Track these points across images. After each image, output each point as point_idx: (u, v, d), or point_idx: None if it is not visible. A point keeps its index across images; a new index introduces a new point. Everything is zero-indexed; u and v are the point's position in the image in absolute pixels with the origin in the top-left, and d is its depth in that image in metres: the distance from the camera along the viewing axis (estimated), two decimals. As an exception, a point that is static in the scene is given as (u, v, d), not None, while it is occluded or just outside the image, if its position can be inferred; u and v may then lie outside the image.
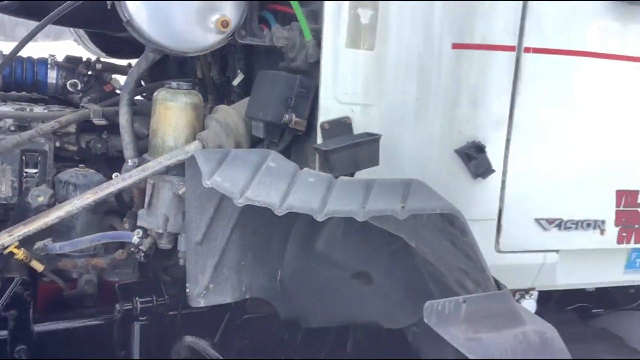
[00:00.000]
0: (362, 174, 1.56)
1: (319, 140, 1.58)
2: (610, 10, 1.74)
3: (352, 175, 1.57)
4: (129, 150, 1.82)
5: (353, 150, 1.58)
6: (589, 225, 1.79)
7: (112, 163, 2.07)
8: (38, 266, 1.77)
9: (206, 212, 1.54)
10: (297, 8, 1.62)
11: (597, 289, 2.19)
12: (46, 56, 2.16)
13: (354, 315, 1.89)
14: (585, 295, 2.32)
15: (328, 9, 1.56)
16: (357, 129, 1.59)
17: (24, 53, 1.92)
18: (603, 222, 1.80)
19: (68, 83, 2.08)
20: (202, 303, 1.63)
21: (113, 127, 1.98)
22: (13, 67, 2.07)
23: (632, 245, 1.87)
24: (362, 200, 1.38)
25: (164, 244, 1.76)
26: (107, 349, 1.78)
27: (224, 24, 1.65)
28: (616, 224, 1.82)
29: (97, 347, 1.78)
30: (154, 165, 1.69)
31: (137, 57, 1.87)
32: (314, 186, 1.40)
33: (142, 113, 1.95)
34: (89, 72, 2.15)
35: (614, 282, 2.01)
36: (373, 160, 1.59)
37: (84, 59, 2.25)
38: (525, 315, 1.51)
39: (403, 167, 1.63)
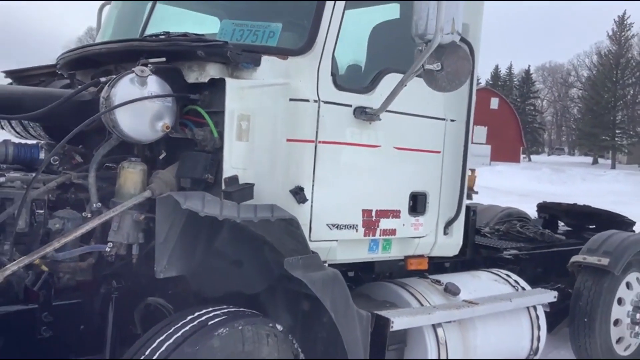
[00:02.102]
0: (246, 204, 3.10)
1: (223, 186, 3.09)
2: None
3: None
4: (94, 197, 3.12)
5: (239, 192, 3.12)
6: (350, 227, 3.53)
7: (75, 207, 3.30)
8: (45, 268, 2.98)
9: (170, 225, 2.94)
10: (207, 117, 3.13)
11: (366, 264, 3.93)
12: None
13: (232, 286, 3.36)
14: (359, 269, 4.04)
15: (227, 118, 3.10)
16: (242, 180, 3.14)
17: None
18: (357, 225, 3.56)
19: (52, 159, 3.28)
20: (162, 276, 2.99)
21: (78, 186, 3.25)
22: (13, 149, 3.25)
23: (370, 237, 3.66)
24: (244, 212, 2.91)
25: (122, 251, 3.09)
26: (99, 314, 3.04)
27: (167, 127, 3.11)
28: (362, 226, 3.58)
29: (92, 313, 3.04)
30: (125, 204, 3.03)
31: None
32: (224, 206, 2.90)
33: (101, 178, 3.26)
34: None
35: (363, 259, 3.78)
36: (249, 197, 3.14)
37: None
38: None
39: (265, 199, 3.18)
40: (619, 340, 5.14)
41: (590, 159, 69.04)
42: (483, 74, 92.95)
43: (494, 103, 60.44)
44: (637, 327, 5.13)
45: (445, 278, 4.23)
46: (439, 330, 3.77)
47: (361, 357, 3.21)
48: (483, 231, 6.30)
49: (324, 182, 3.35)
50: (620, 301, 5.10)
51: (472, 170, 18.99)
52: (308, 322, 3.34)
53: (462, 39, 3.80)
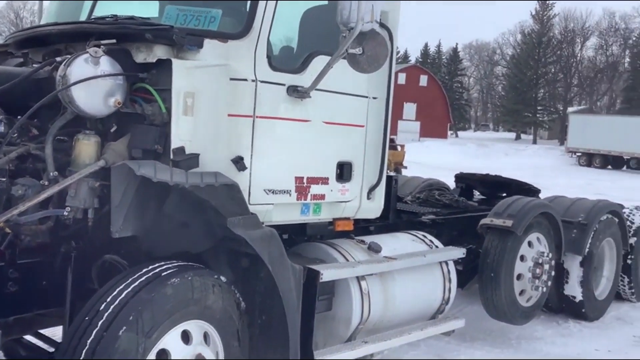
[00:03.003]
0: (193, 172, 3.50)
1: (171, 156, 3.48)
2: None
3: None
4: (51, 166, 3.44)
5: (186, 161, 3.51)
6: (284, 192, 3.98)
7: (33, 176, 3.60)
8: (9, 230, 3.30)
9: (124, 190, 3.31)
10: (156, 95, 3.50)
11: (299, 227, 4.39)
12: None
13: (180, 246, 3.75)
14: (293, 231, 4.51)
15: (174, 95, 3.47)
16: (188, 151, 3.53)
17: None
18: (290, 190, 4.01)
19: (10, 131, 3.55)
20: (117, 235, 3.35)
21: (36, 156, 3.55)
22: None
23: (302, 201, 4.13)
24: (192, 179, 3.31)
25: (79, 215, 3.44)
26: (60, 272, 3.39)
27: (118, 103, 3.45)
28: (295, 191, 4.04)
29: (54, 270, 3.38)
30: (81, 172, 3.37)
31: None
32: (174, 173, 3.29)
33: (57, 149, 3.57)
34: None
35: (296, 220, 4.24)
36: (195, 165, 3.54)
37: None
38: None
39: (210, 168, 3.57)
40: (521, 293, 5.83)
41: (513, 135, 72.05)
42: (413, 52, 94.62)
43: (423, 80, 62.06)
44: (537, 281, 5.83)
45: (369, 239, 4.75)
46: (363, 283, 4.29)
47: (295, 305, 3.69)
48: (405, 199, 6.90)
49: (261, 153, 3.78)
50: (522, 258, 5.79)
51: (402, 146, 20.11)
52: (248, 277, 3.79)
53: (382, 25, 4.30)
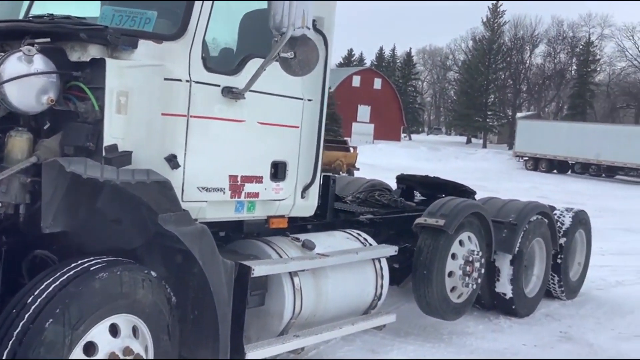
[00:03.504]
0: (125, 169, 3.58)
1: (104, 153, 3.55)
2: None
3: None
4: None
5: (118, 158, 3.59)
6: (218, 189, 4.09)
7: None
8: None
9: (55, 187, 3.36)
10: (89, 93, 3.57)
11: (236, 225, 4.51)
12: None
13: (112, 242, 3.82)
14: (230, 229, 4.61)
15: (107, 94, 3.54)
16: (121, 148, 3.60)
17: None
18: (224, 188, 4.13)
19: None
20: (47, 231, 3.40)
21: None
22: None
23: (236, 199, 4.25)
24: (123, 175, 3.39)
25: (10, 210, 3.48)
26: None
27: (51, 101, 3.51)
28: (229, 189, 4.15)
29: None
30: (13, 168, 3.41)
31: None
32: (105, 170, 3.37)
33: None
34: None
35: (230, 218, 4.35)
36: (127, 163, 3.62)
37: None
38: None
39: (143, 165, 3.65)
40: (452, 290, 6.07)
41: (464, 139, 73.53)
42: (368, 55, 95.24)
43: (377, 83, 62.76)
44: (467, 278, 6.08)
45: (305, 236, 4.90)
46: (295, 279, 4.44)
47: (226, 300, 3.80)
48: (345, 199, 7.08)
49: (195, 151, 3.88)
50: (454, 256, 6.03)
51: (354, 148, 20.43)
52: (181, 272, 3.87)
53: (317, 30, 4.46)
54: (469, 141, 71.47)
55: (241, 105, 4.11)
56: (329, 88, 5.05)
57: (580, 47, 67.77)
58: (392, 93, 63.87)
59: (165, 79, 3.73)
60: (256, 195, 4.34)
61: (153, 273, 3.56)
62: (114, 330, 3.34)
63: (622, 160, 36.11)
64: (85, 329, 3.13)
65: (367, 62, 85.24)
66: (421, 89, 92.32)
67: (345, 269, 4.88)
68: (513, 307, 6.95)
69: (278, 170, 4.47)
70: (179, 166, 3.77)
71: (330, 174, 5.78)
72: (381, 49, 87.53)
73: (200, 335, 3.89)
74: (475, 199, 7.54)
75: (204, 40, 3.92)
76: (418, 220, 6.06)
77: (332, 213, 5.77)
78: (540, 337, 6.51)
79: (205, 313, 3.84)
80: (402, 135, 67.96)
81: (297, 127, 4.59)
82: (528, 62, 70.63)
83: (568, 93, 67.91)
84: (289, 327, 4.46)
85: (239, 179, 4.19)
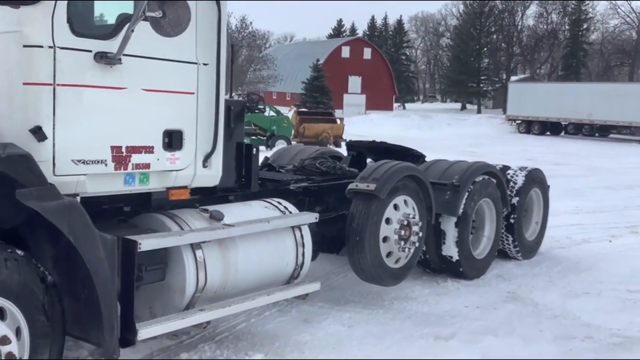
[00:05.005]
0: None
1: None
2: None
3: None
4: None
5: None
6: (99, 161, 3.86)
7: None
8: None
9: None
10: None
11: (144, 199, 4.31)
12: None
13: None
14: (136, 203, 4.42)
15: None
16: None
17: None
18: (105, 160, 3.92)
19: None
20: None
21: None
22: None
23: (123, 171, 4.04)
24: None
25: None
26: None
27: None
28: (112, 161, 3.92)
29: None
30: None
31: None
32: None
33: None
34: None
35: (120, 191, 4.14)
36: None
37: None
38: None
39: (7, 139, 3.41)
40: (389, 255, 5.89)
41: (459, 105, 73.03)
42: (360, 25, 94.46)
43: (367, 53, 62.15)
44: (403, 243, 5.91)
45: (218, 208, 4.71)
46: (198, 252, 4.25)
47: (108, 276, 3.62)
48: (284, 168, 6.88)
49: (66, 122, 3.67)
50: (388, 221, 5.84)
51: (341, 119, 20.36)
52: (59, 250, 3.69)
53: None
54: (463, 107, 71.02)
55: (120, 71, 3.88)
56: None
57: (572, 6, 66.77)
58: (383, 62, 63.27)
59: (25, 46, 3.51)
60: (147, 166, 4.13)
61: (19, 252, 3.38)
62: (-26, 313, 3.18)
63: (614, 119, 35.75)
64: None
65: (360, 33, 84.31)
66: (415, 57, 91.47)
67: (259, 239, 4.69)
68: (461, 269, 6.79)
69: (173, 139, 4.25)
70: (46, 138, 3.57)
71: (248, 142, 5.55)
72: (373, 18, 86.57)
73: (90, 315, 3.72)
74: (425, 162, 7.35)
75: (69, 3, 3.67)
76: (350, 186, 5.87)
77: (256, 182, 5.57)
78: (484, 298, 6.35)
79: (92, 291, 3.67)
80: (396, 104, 67.51)
81: (193, 93, 4.36)
82: (520, 24, 69.68)
83: (561, 54, 67.12)
84: (194, 301, 4.29)
85: (123, 149, 3.98)
